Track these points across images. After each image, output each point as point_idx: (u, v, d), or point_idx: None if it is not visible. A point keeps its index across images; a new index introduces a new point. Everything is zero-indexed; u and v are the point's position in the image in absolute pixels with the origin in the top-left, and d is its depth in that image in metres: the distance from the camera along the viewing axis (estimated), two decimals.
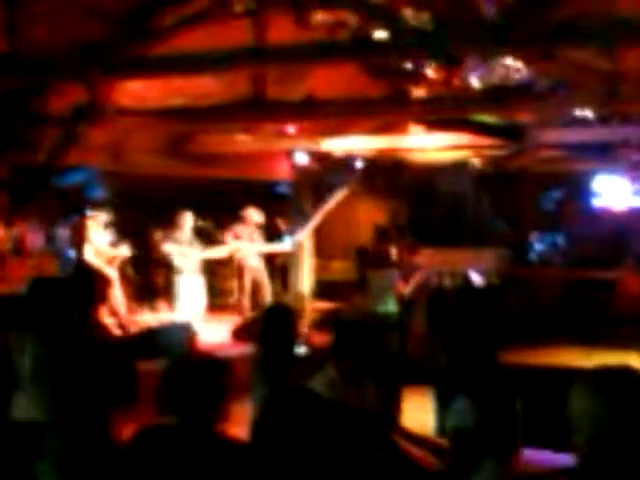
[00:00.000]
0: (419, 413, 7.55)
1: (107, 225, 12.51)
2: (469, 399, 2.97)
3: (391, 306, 9.91)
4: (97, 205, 12.41)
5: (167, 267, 13.13)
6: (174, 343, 10.15)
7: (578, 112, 10.12)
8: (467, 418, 2.94)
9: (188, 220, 12.14)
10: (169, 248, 12.14)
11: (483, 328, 3.61)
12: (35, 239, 10.82)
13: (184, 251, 11.95)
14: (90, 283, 5.11)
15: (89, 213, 11.61)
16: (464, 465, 2.90)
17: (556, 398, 5.72)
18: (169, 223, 12.55)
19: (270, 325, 5.13)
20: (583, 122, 10.63)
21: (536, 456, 4.04)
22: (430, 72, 8.07)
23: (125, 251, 11.76)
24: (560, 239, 16.24)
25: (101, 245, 11.47)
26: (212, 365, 3.43)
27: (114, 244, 12.11)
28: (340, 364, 4.52)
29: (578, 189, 16.51)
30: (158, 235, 13.63)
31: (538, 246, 16.29)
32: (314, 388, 4.24)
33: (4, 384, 4.85)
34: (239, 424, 3.91)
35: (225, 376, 3.39)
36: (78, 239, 11.40)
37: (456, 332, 3.43)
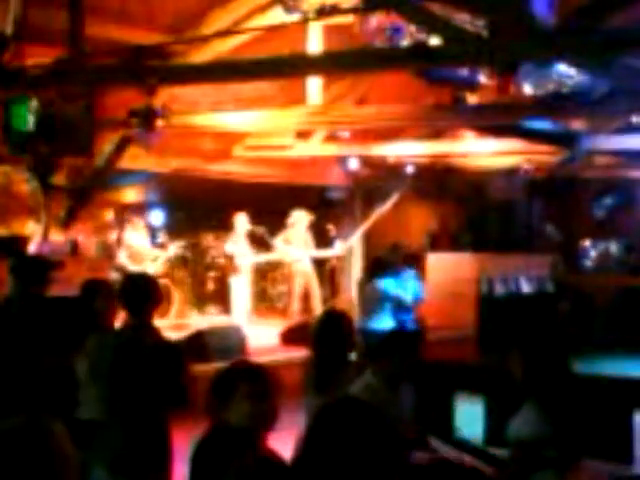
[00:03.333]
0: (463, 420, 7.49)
1: (158, 228, 12.65)
2: (542, 410, 2.90)
3: (385, 323, 8.98)
4: (147, 208, 12.59)
5: (218, 270, 13.22)
6: (223, 346, 10.22)
7: (634, 119, 10.00)
8: (537, 428, 2.88)
9: (242, 222, 12.16)
10: (229, 248, 12.18)
11: (557, 336, 3.57)
12: (89, 242, 11.00)
13: (241, 251, 12.01)
14: (144, 286, 5.16)
15: (127, 217, 11.75)
16: (524, 476, 2.86)
17: (611, 408, 5.66)
18: (221, 227, 12.63)
19: (325, 331, 5.10)
20: (637, 128, 10.50)
21: (596, 468, 3.99)
22: (484, 79, 8.02)
23: (172, 250, 11.82)
24: (614, 246, 16.02)
25: (139, 247, 11.56)
26: (261, 374, 3.40)
27: (163, 246, 12.24)
28: (375, 367, 4.53)
29: (632, 196, 16.29)
30: (209, 238, 13.74)
31: (591, 253, 16.09)
32: (353, 393, 4.26)
33: (67, 385, 4.93)
34: (287, 429, 3.91)
35: (274, 385, 3.34)
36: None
37: (532, 340, 3.39)
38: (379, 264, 9.78)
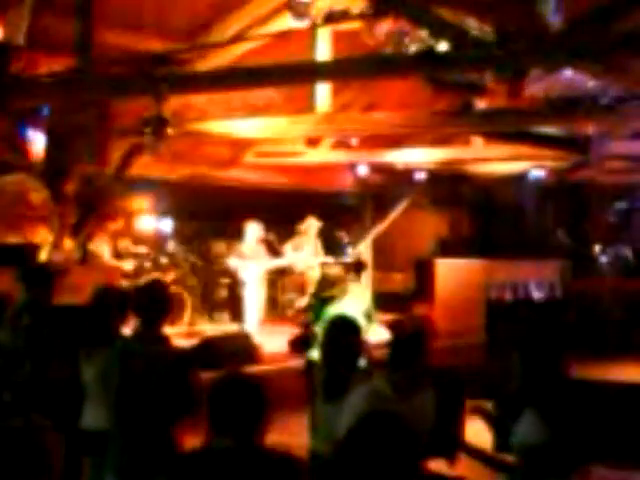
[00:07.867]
0: (474, 427, 7.49)
1: (167, 236, 12.72)
2: (539, 415, 2.91)
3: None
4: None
5: (229, 278, 13.22)
6: (233, 353, 10.22)
7: None
8: (537, 435, 2.88)
9: (253, 231, 12.10)
10: (232, 262, 12.13)
11: (554, 341, 3.53)
12: (100, 250, 11.02)
13: (246, 264, 11.95)
14: (156, 295, 5.15)
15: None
16: None
17: (623, 414, 5.64)
18: (231, 234, 12.61)
19: (333, 338, 5.07)
20: None
21: (606, 474, 3.98)
22: (492, 84, 8.01)
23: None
24: (626, 251, 15.96)
25: None
26: (254, 386, 3.24)
27: (173, 254, 12.31)
28: (393, 375, 4.43)
29: None
30: (220, 246, 13.74)
31: (603, 258, 16.03)
32: (358, 402, 4.18)
33: (73, 395, 4.94)
34: (296, 435, 3.91)
35: (265, 394, 3.22)
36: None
37: (529, 346, 3.35)
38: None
